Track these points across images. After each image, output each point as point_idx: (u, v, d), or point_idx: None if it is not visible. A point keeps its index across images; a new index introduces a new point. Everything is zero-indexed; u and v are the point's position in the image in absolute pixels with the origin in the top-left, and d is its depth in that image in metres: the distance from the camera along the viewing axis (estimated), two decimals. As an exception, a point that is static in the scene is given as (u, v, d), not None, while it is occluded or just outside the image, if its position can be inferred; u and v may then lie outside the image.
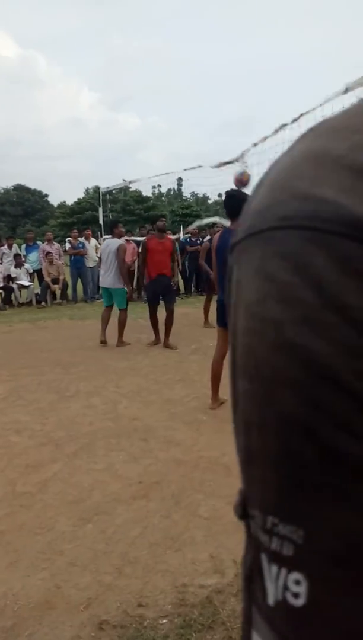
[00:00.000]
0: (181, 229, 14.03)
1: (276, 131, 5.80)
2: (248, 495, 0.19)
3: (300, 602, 0.16)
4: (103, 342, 6.33)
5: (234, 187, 4.71)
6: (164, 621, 1.73)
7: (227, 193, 3.89)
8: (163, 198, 60.45)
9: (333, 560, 0.15)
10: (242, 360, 0.18)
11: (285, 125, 5.63)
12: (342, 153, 0.17)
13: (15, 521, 2.40)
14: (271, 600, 0.17)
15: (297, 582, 0.16)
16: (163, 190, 61.69)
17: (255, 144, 6.85)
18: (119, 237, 6.52)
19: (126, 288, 6.31)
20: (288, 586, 0.16)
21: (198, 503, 2.50)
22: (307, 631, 0.16)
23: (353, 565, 0.15)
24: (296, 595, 0.16)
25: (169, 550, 2.13)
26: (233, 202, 3.69)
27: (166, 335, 6.10)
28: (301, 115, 5.11)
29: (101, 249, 6.74)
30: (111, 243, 6.38)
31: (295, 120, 5.31)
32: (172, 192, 61.32)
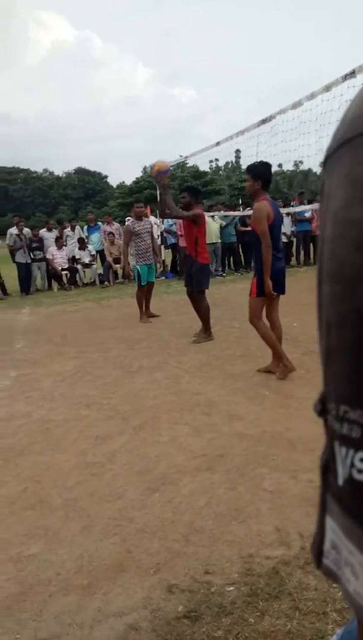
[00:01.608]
0: (241, 202, 13.68)
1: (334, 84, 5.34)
2: (326, 392, 0.21)
3: None
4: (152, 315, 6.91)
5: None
6: (231, 588, 1.77)
7: (267, 163, 3.97)
8: (220, 172, 59.33)
9: None
10: (327, 265, 0.20)
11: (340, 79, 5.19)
12: None
13: (87, 489, 2.53)
14: (340, 480, 0.20)
15: (362, 460, 0.18)
16: (221, 163, 60.45)
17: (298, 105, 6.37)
18: (138, 217, 6.72)
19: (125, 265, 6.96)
20: (355, 464, 0.19)
21: (262, 476, 2.51)
22: None
23: None
24: (360, 471, 0.18)
25: (235, 521, 2.16)
26: (269, 171, 3.93)
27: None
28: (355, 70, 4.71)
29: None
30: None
31: (348, 75, 4.88)
32: (230, 165, 59.95)
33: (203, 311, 5.44)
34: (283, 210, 10.77)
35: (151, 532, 2.14)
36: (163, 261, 12.03)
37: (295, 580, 1.77)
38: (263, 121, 7.49)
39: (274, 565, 1.86)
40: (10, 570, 1.97)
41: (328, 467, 0.21)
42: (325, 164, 0.21)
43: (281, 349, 3.99)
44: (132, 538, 2.11)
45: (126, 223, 7.06)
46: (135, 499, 2.40)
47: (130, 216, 11.42)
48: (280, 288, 4.03)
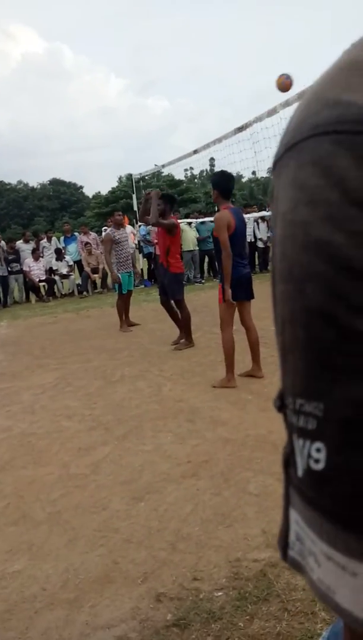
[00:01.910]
0: (217, 209, 13.79)
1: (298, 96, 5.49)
2: (284, 388, 0.22)
3: (320, 466, 0.19)
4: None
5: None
6: (220, 594, 1.76)
7: (225, 172, 4.16)
8: (195, 180, 59.80)
9: (346, 426, 0.18)
10: (279, 265, 0.20)
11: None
12: None
13: (71, 501, 2.50)
14: (300, 472, 0.20)
15: (318, 450, 0.19)
16: (196, 172, 60.93)
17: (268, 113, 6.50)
18: (117, 225, 6.78)
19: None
20: (311, 454, 0.19)
21: (247, 480, 2.52)
22: (326, 489, 0.19)
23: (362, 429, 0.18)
24: (317, 460, 0.19)
25: (221, 526, 2.16)
26: (231, 182, 4.08)
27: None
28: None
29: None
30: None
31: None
32: (205, 174, 60.52)
33: (183, 319, 5.45)
34: (258, 215, 10.95)
35: (137, 541, 2.12)
36: (142, 270, 12.04)
37: (283, 581, 1.78)
38: (239, 129, 7.61)
39: (261, 568, 1.86)
40: (-6, 588, 1.92)
41: (289, 460, 0.22)
42: (274, 168, 0.22)
43: (234, 364, 4.02)
44: (118, 549, 2.08)
45: (106, 231, 7.08)
46: (120, 509, 2.38)
47: (107, 226, 11.47)
48: (245, 294, 4.07)
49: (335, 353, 0.18)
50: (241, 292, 4.03)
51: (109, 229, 7.10)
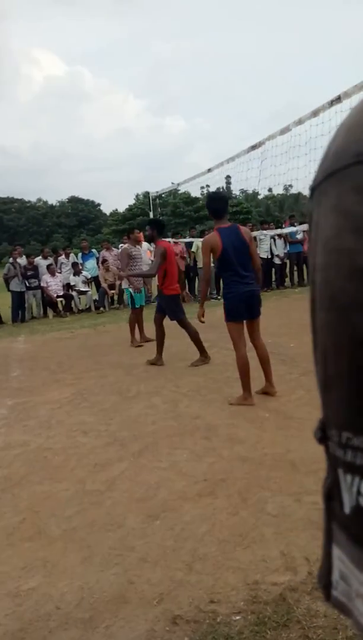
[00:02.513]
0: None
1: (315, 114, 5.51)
2: (326, 419, 0.21)
3: None
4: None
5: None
6: (238, 618, 1.71)
7: (212, 194, 4.28)
8: (212, 198, 60.16)
9: None
10: (320, 293, 0.20)
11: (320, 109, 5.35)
12: None
13: (87, 518, 2.48)
14: (347, 509, 0.19)
15: None
16: (212, 189, 61.48)
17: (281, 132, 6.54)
18: (136, 242, 6.96)
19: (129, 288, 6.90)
20: (361, 491, 0.18)
21: (265, 500, 2.47)
22: None
23: None
24: None
25: (239, 547, 2.11)
26: (220, 203, 4.06)
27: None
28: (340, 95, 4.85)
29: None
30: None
31: (334, 101, 5.04)
32: (221, 191, 60.91)
33: (191, 336, 5.42)
34: (275, 233, 10.97)
35: (153, 561, 2.08)
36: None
37: (303, 607, 1.72)
38: (253, 147, 7.69)
39: (281, 592, 1.81)
40: (9, 605, 1.90)
41: (332, 494, 0.21)
42: (312, 194, 0.22)
43: (249, 382, 3.92)
44: (133, 568, 2.05)
45: (123, 246, 7.31)
46: (136, 527, 2.35)
47: (123, 242, 11.59)
48: (248, 312, 3.91)
49: None
50: (243, 311, 3.89)
51: (126, 245, 7.24)
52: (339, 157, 0.19)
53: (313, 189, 0.21)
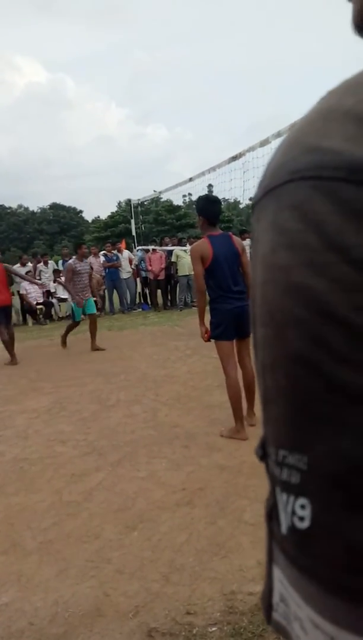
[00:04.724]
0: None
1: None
2: (265, 436, 0.21)
3: (305, 524, 0.17)
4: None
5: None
6: (214, 629, 1.70)
7: (208, 196, 3.75)
8: (193, 206, 60.58)
9: (333, 483, 0.16)
10: (259, 309, 0.20)
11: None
12: (351, 106, 0.18)
13: (63, 530, 2.44)
14: (284, 529, 0.19)
15: (302, 507, 0.17)
16: (194, 198, 61.85)
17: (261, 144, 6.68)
18: (81, 257, 7.06)
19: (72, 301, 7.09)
20: (295, 511, 0.18)
21: (243, 509, 2.47)
22: (311, 550, 0.17)
23: (351, 487, 0.16)
24: (301, 518, 0.17)
25: (216, 557, 2.11)
26: (217, 206, 3.58)
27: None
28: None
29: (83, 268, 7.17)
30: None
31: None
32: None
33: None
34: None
35: (129, 572, 2.06)
36: (139, 293, 12.10)
37: (279, 616, 1.72)
38: (234, 158, 7.80)
39: (257, 602, 1.81)
40: (-20, 622, 1.85)
41: (272, 514, 0.20)
42: (253, 210, 0.22)
43: (241, 411, 3.49)
44: (110, 580, 2.02)
45: (68, 262, 7.44)
46: (113, 539, 2.32)
47: (105, 250, 11.51)
48: (236, 331, 3.45)
49: (320, 403, 0.17)
50: (230, 330, 3.43)
51: (71, 260, 7.32)
52: (276, 175, 0.20)
53: (254, 205, 0.22)
